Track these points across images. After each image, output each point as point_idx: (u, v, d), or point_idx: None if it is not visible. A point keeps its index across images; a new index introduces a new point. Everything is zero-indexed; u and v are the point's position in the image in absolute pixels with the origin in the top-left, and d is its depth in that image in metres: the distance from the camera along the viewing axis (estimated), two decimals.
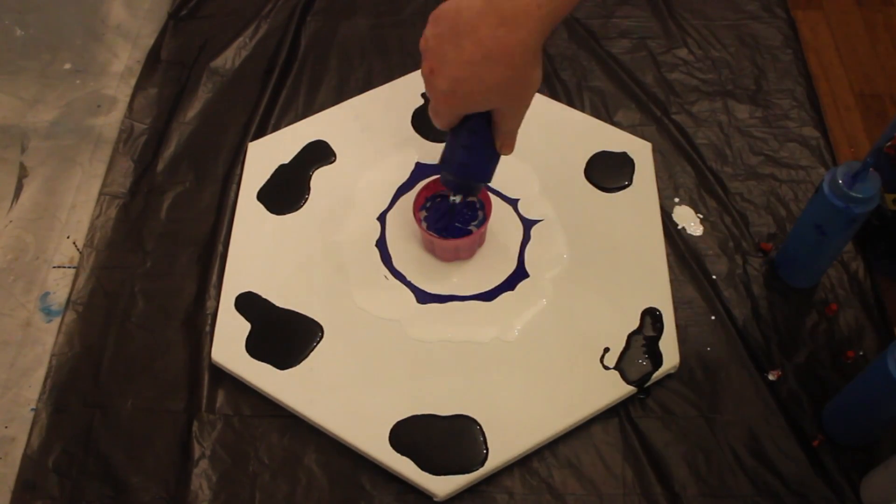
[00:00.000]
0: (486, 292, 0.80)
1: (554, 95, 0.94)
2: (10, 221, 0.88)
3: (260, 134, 0.93)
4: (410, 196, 0.85)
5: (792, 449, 0.72)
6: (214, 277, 0.82)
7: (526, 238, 0.83)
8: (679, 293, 0.80)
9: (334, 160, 0.89)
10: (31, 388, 0.77)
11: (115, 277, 0.83)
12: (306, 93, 0.97)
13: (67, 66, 1.01)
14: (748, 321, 0.79)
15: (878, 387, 0.64)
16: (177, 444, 0.74)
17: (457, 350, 0.76)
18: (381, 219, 0.85)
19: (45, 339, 0.80)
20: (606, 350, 0.76)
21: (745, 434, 0.73)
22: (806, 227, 0.75)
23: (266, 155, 0.90)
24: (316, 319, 0.78)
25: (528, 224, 0.84)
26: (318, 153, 0.90)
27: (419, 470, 0.70)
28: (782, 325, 0.79)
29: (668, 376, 0.76)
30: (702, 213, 0.86)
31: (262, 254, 0.83)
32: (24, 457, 0.73)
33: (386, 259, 0.82)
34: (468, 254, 0.81)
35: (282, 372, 0.75)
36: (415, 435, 0.72)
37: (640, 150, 0.89)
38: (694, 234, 0.85)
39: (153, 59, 1.00)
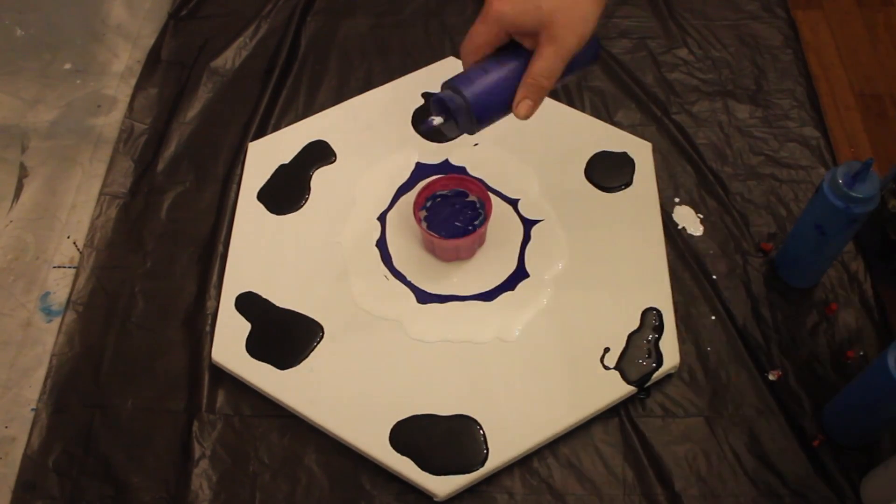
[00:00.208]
0: (486, 292, 0.80)
1: (554, 95, 0.94)
2: (11, 221, 0.88)
3: (260, 134, 0.93)
4: (410, 196, 0.85)
5: (792, 449, 0.72)
6: (214, 277, 0.82)
7: (526, 238, 0.83)
8: (679, 293, 0.80)
9: (334, 160, 0.89)
10: (32, 388, 0.77)
11: (115, 277, 0.83)
12: (306, 93, 0.97)
13: (67, 66, 1.01)
14: (748, 321, 0.79)
15: (878, 387, 0.64)
16: (177, 444, 0.74)
17: (457, 350, 0.76)
18: (381, 219, 0.85)
19: (46, 339, 0.80)
20: (606, 350, 0.76)
21: (745, 434, 0.73)
22: (806, 227, 0.75)
23: (266, 155, 0.90)
24: (316, 319, 0.78)
25: (528, 224, 0.84)
26: (318, 153, 0.90)
27: (419, 470, 0.70)
28: (782, 325, 0.79)
29: (668, 376, 0.76)
30: (702, 213, 0.86)
31: (262, 254, 0.83)
32: (25, 457, 0.73)
33: (386, 259, 0.82)
34: (468, 254, 0.81)
35: (282, 372, 0.75)
36: (415, 435, 0.72)
37: (640, 150, 0.89)
38: (694, 234, 0.85)
39: (153, 59, 1.00)
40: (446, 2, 1.04)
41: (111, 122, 0.95)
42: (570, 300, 0.79)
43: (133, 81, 0.98)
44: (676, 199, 0.87)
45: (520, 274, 0.81)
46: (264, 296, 0.80)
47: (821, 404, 0.74)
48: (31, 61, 1.01)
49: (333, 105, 0.94)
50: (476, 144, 0.89)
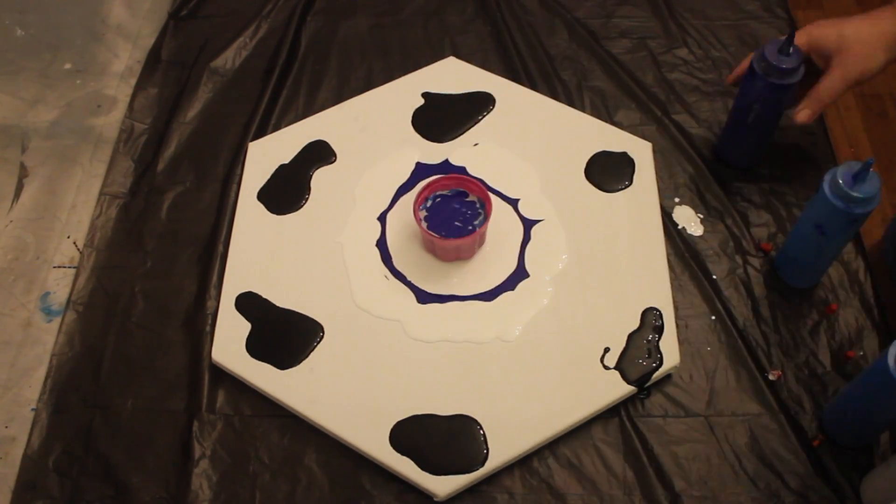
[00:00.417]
0: (486, 292, 0.80)
1: (554, 95, 0.94)
2: (11, 221, 0.88)
3: (260, 134, 0.93)
4: (410, 196, 0.85)
5: (792, 449, 0.72)
6: (214, 277, 0.82)
7: (526, 238, 0.83)
8: (679, 293, 0.80)
9: (334, 160, 0.89)
10: (32, 388, 0.77)
11: (115, 277, 0.83)
12: (306, 93, 0.97)
13: (67, 66, 1.01)
14: (748, 321, 0.79)
15: (879, 387, 0.64)
16: (177, 444, 0.74)
17: (457, 350, 0.76)
18: (381, 219, 0.85)
19: (46, 339, 0.80)
20: (606, 350, 0.76)
21: (745, 434, 0.73)
22: (806, 227, 0.75)
23: (266, 155, 0.90)
24: (316, 319, 0.78)
25: (528, 224, 0.84)
26: (318, 153, 0.90)
27: (419, 470, 0.70)
28: (782, 325, 0.79)
29: (668, 376, 0.76)
30: (702, 213, 0.86)
31: (262, 254, 0.83)
32: (25, 457, 0.73)
33: (386, 259, 0.82)
34: (468, 254, 0.81)
35: (282, 372, 0.75)
36: (415, 435, 0.72)
37: (640, 150, 0.89)
38: (694, 234, 0.85)
39: (153, 59, 1.00)
40: (446, 2, 1.04)
41: (111, 122, 0.95)
42: (570, 300, 0.79)
43: (133, 81, 0.98)
44: (676, 199, 0.87)
45: (520, 274, 0.81)
46: (264, 296, 0.80)
47: (821, 404, 0.74)
48: (31, 61, 1.01)
49: (333, 105, 0.94)
50: (476, 144, 0.89)
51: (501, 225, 0.84)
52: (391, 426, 0.72)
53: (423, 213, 0.81)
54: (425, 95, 0.94)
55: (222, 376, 0.77)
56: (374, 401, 0.74)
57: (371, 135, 0.91)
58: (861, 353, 0.77)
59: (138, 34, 1.03)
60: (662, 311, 0.78)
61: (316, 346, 0.77)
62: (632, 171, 0.87)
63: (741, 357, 0.77)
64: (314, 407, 0.74)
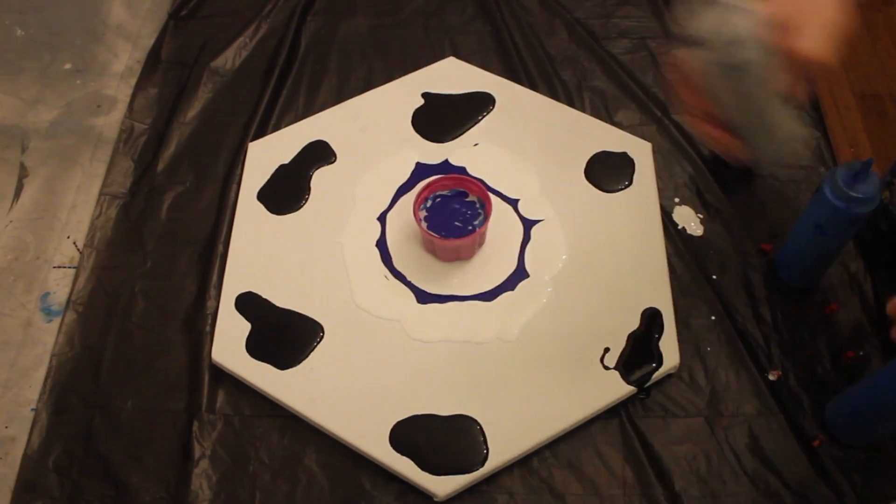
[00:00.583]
0: (486, 292, 0.80)
1: (554, 95, 0.94)
2: (10, 221, 0.88)
3: (260, 134, 0.93)
4: (410, 196, 0.85)
5: (792, 449, 0.72)
6: (214, 277, 0.82)
7: (526, 238, 0.83)
8: (679, 293, 0.80)
9: (334, 160, 0.89)
10: (32, 388, 0.77)
11: (115, 277, 0.83)
12: (306, 93, 0.97)
13: (67, 66, 1.01)
14: (748, 321, 0.79)
15: (890, 391, 0.64)
16: (177, 444, 0.74)
17: (457, 350, 0.76)
18: (381, 219, 0.85)
19: (46, 339, 0.80)
20: (606, 350, 0.76)
21: (745, 434, 0.73)
22: (806, 227, 0.75)
23: (266, 155, 0.90)
24: (316, 319, 0.78)
25: (528, 224, 0.84)
26: (318, 153, 0.90)
27: (419, 470, 0.70)
28: (782, 325, 0.79)
29: (668, 376, 0.76)
30: (702, 214, 0.86)
31: (262, 254, 0.83)
32: (24, 457, 0.73)
33: (386, 259, 0.82)
34: (468, 254, 0.81)
35: (282, 372, 0.75)
36: (415, 435, 0.72)
37: (640, 150, 0.89)
38: (694, 234, 0.85)
39: (153, 59, 1.00)
40: (446, 2, 1.04)
41: (111, 122, 0.95)
42: (570, 300, 0.79)
43: (133, 81, 0.98)
44: (676, 199, 0.87)
45: (520, 274, 0.81)
46: (264, 296, 0.80)
47: (821, 404, 0.74)
48: (31, 61, 1.01)
49: (333, 105, 0.94)
50: (476, 145, 0.89)
51: (501, 225, 0.84)
52: (391, 426, 0.72)
53: (423, 214, 0.81)
54: (425, 95, 0.94)
55: (222, 376, 0.77)
56: (374, 401, 0.74)
57: (371, 135, 0.91)
58: (861, 353, 0.77)
59: (138, 34, 1.03)
60: (662, 311, 0.78)
61: (316, 346, 0.77)
62: (632, 171, 0.87)
63: (741, 357, 0.77)
64: (314, 407, 0.74)
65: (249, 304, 0.79)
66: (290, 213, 0.86)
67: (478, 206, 0.82)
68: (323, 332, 0.78)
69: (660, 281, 0.80)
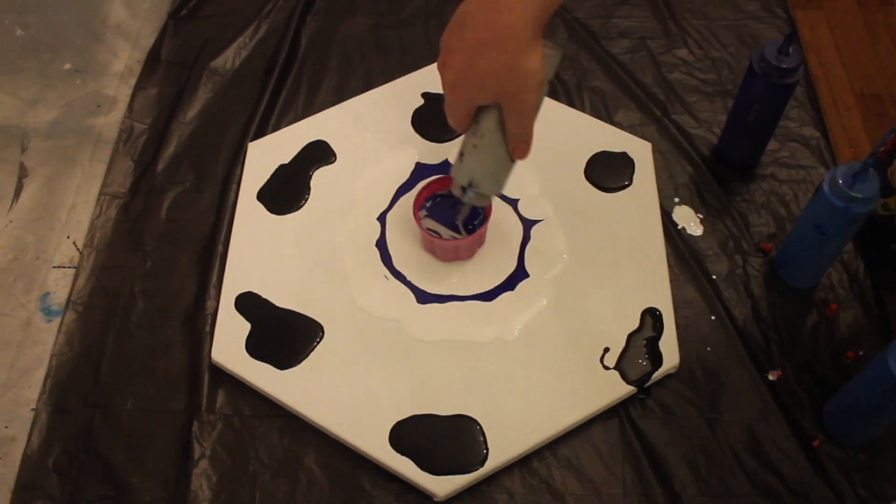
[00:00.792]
0: (486, 292, 0.80)
1: (554, 95, 0.94)
2: (10, 221, 0.88)
3: (260, 134, 0.93)
4: (410, 196, 0.85)
5: (792, 449, 0.72)
6: (214, 277, 0.82)
7: (526, 238, 0.83)
8: (679, 293, 0.80)
9: (334, 160, 0.89)
10: (31, 388, 0.77)
11: (115, 277, 0.83)
12: (306, 93, 0.97)
13: (67, 66, 1.01)
14: (748, 321, 0.79)
15: (879, 386, 0.64)
16: (177, 444, 0.74)
17: (457, 350, 0.76)
18: (381, 219, 0.85)
19: (45, 339, 0.80)
20: (606, 350, 0.76)
21: (745, 434, 0.73)
22: (806, 227, 0.75)
23: (266, 155, 0.90)
24: (316, 319, 0.78)
25: (528, 224, 0.84)
26: (318, 153, 0.90)
27: (419, 470, 0.70)
28: (782, 325, 0.79)
29: (668, 376, 0.76)
30: (702, 214, 0.86)
31: (262, 254, 0.83)
32: (24, 457, 0.73)
33: (386, 259, 0.82)
34: (468, 254, 0.81)
35: (282, 372, 0.75)
36: (415, 435, 0.72)
37: (640, 150, 0.89)
38: (694, 234, 0.85)
39: (153, 59, 1.00)
40: (446, 2, 1.04)
41: (111, 122, 0.95)
42: (570, 300, 0.79)
43: (133, 81, 0.98)
44: (676, 199, 0.87)
45: (520, 274, 0.81)
46: (264, 296, 0.80)
47: (821, 404, 0.74)
48: (31, 61, 1.01)
49: (333, 105, 0.94)
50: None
51: (501, 225, 0.83)
52: (391, 426, 0.72)
53: (422, 214, 0.81)
54: (425, 95, 0.94)
55: (222, 376, 0.77)
56: (374, 401, 0.74)
57: (371, 135, 0.91)
58: (861, 353, 0.77)
59: (138, 34, 1.03)
60: (662, 312, 0.78)
61: (316, 346, 0.77)
62: (632, 171, 0.87)
63: (741, 357, 0.77)
64: (314, 407, 0.74)
65: (249, 304, 0.79)
66: (290, 213, 0.86)
67: (477, 206, 0.82)
68: (323, 332, 0.78)
69: (660, 281, 0.80)
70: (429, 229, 0.79)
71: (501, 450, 0.71)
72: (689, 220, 0.86)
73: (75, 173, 0.91)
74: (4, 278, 0.84)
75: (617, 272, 0.81)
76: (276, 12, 1.04)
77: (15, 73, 1.00)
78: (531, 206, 0.85)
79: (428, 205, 0.82)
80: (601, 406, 0.73)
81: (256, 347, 0.77)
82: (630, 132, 0.91)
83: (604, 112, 0.94)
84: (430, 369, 0.75)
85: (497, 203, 0.84)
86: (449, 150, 0.89)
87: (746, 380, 0.76)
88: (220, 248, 0.84)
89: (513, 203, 0.85)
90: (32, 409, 0.76)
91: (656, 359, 0.75)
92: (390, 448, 0.71)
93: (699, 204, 0.87)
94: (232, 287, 0.80)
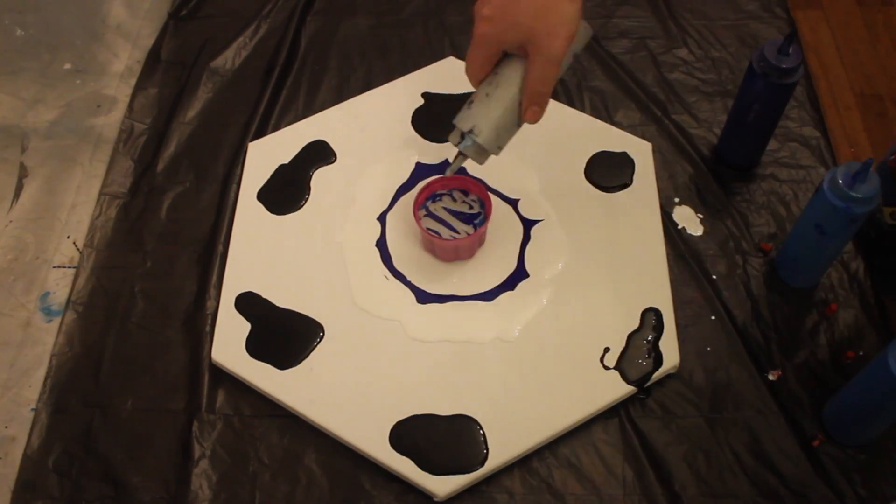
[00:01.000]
0: (486, 292, 0.80)
1: (554, 95, 0.94)
2: (10, 221, 0.88)
3: (260, 134, 0.93)
4: (410, 196, 0.85)
5: (792, 449, 0.72)
6: (214, 277, 0.82)
7: (526, 238, 0.83)
8: (679, 293, 0.80)
9: (334, 160, 0.89)
10: (31, 388, 0.77)
11: (115, 277, 0.83)
12: (306, 93, 0.97)
13: (67, 66, 1.01)
14: (748, 321, 0.79)
15: (878, 386, 0.64)
16: (177, 444, 0.74)
17: (457, 350, 0.76)
18: (381, 219, 0.85)
19: (45, 339, 0.80)
20: (606, 350, 0.76)
21: (745, 434, 0.73)
22: (806, 227, 0.75)
23: (266, 155, 0.90)
24: (316, 319, 0.78)
25: (528, 224, 0.84)
26: (318, 153, 0.90)
27: (419, 470, 0.70)
28: (782, 325, 0.79)
29: (668, 376, 0.76)
30: (702, 214, 0.86)
31: (262, 254, 0.83)
32: (24, 457, 0.73)
33: (386, 259, 0.82)
34: (468, 254, 0.81)
35: (282, 372, 0.75)
36: (415, 435, 0.72)
37: (640, 150, 0.89)
38: (694, 234, 0.85)
39: (153, 59, 1.00)
40: (446, 2, 1.04)
41: (111, 122, 0.95)
42: (570, 300, 0.79)
43: (133, 81, 0.98)
44: (676, 199, 0.87)
45: (520, 274, 0.81)
46: (264, 296, 0.80)
47: (821, 404, 0.74)
48: (31, 61, 1.01)
49: (333, 105, 0.94)
50: None
51: (501, 225, 0.83)
52: (391, 426, 0.72)
53: (422, 213, 0.81)
54: (425, 95, 0.94)
55: (222, 376, 0.77)
56: (374, 401, 0.74)
57: (371, 135, 0.91)
58: (861, 353, 0.77)
59: (138, 34, 1.03)
60: (662, 312, 0.78)
61: (316, 346, 0.77)
62: (632, 171, 0.87)
63: (741, 357, 0.77)
64: (314, 407, 0.74)
65: (249, 304, 0.79)
66: (290, 213, 0.86)
67: (478, 206, 0.82)
68: (323, 332, 0.78)
69: (660, 281, 0.80)
70: (428, 229, 0.79)
71: (501, 450, 0.71)
72: (689, 220, 0.86)
73: (75, 173, 0.91)
74: (4, 278, 0.84)
75: (617, 272, 0.81)
76: (276, 12, 1.04)
77: (15, 73, 1.00)
78: (531, 206, 0.85)
79: (428, 204, 0.82)
80: (601, 406, 0.73)
81: (256, 347, 0.77)
82: (630, 132, 0.91)
83: (604, 112, 0.94)
84: (430, 369, 0.75)
85: (497, 203, 0.84)
86: (449, 151, 0.89)
87: (746, 380, 0.76)
88: (220, 248, 0.84)
89: (513, 203, 0.85)
90: (32, 409, 0.76)
91: (656, 359, 0.75)
92: (390, 448, 0.71)
93: (699, 204, 0.87)
94: (232, 287, 0.80)
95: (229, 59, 1.00)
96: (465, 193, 0.82)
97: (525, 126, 0.68)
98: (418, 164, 0.88)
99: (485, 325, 0.78)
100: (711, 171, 0.89)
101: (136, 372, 0.78)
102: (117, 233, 0.86)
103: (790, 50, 0.76)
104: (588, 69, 0.97)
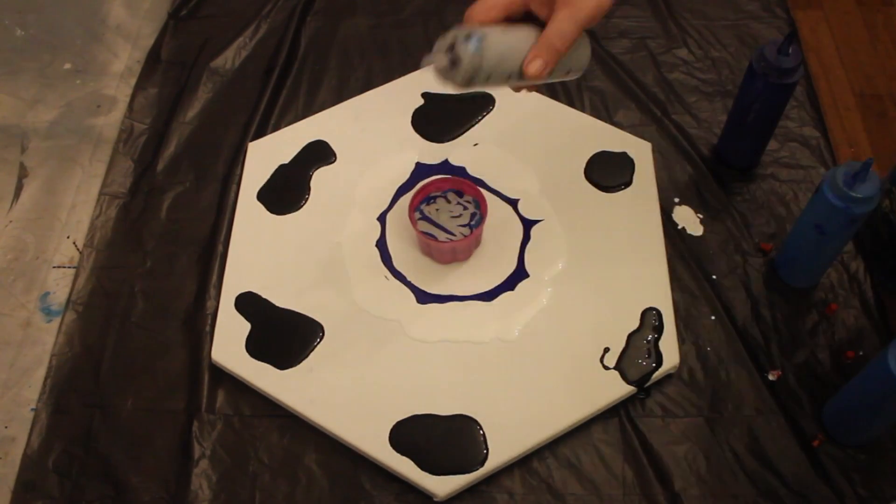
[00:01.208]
0: (486, 292, 0.80)
1: (554, 95, 0.94)
2: (10, 221, 0.88)
3: (260, 134, 0.93)
4: (410, 196, 0.85)
5: (792, 449, 0.72)
6: (214, 277, 0.82)
7: (526, 238, 0.83)
8: (679, 293, 0.80)
9: (334, 160, 0.89)
10: (31, 388, 0.77)
11: (115, 277, 0.83)
12: (306, 93, 0.97)
13: (67, 66, 1.01)
14: (748, 321, 0.79)
15: (879, 385, 0.64)
16: (177, 444, 0.74)
17: (457, 350, 0.76)
18: (381, 219, 0.85)
19: (45, 339, 0.80)
20: (606, 350, 0.76)
21: (745, 434, 0.73)
22: (806, 227, 0.75)
23: (266, 155, 0.90)
24: (316, 319, 0.78)
25: (528, 224, 0.84)
26: (318, 153, 0.90)
27: (419, 470, 0.70)
28: (782, 325, 0.79)
29: (668, 376, 0.76)
30: (702, 214, 0.86)
31: (262, 254, 0.83)
32: (24, 457, 0.73)
33: (386, 259, 0.82)
34: (465, 255, 0.81)
35: (282, 372, 0.75)
36: (415, 435, 0.72)
37: (640, 150, 0.89)
38: (694, 234, 0.85)
39: (153, 59, 1.00)
40: (446, 2, 1.04)
41: (111, 122, 0.95)
42: (570, 300, 0.79)
43: (133, 81, 0.98)
44: (676, 199, 0.87)
45: (520, 274, 0.81)
46: (264, 296, 0.80)
47: (821, 404, 0.74)
48: (31, 61, 1.01)
49: (333, 105, 0.94)
50: (476, 144, 0.89)
51: (501, 225, 0.83)
52: (391, 426, 0.72)
53: (417, 216, 0.81)
54: (425, 95, 0.94)
55: (222, 376, 0.77)
56: (374, 401, 0.74)
57: (371, 135, 0.91)
58: (861, 353, 0.77)
59: (138, 34, 1.03)
60: (662, 312, 0.78)
61: (316, 346, 0.77)
62: (632, 171, 0.87)
63: (741, 357, 0.77)
64: (314, 407, 0.74)
65: (249, 304, 0.79)
66: (290, 213, 0.86)
67: (473, 206, 0.82)
68: (323, 332, 0.78)
69: (660, 281, 0.80)
70: (424, 232, 0.79)
71: (501, 450, 0.71)
72: (689, 220, 0.86)
73: (75, 173, 0.91)
74: (4, 278, 0.84)
75: (617, 272, 0.81)
76: (276, 12, 1.04)
77: (15, 73, 1.00)
78: (531, 206, 0.85)
79: (422, 207, 0.82)
80: (601, 406, 0.73)
81: (256, 347, 0.77)
82: (630, 132, 0.91)
83: (604, 112, 0.94)
84: (430, 369, 0.75)
85: (497, 203, 0.84)
86: (449, 151, 0.89)
87: (746, 380, 0.76)
88: (220, 248, 0.84)
89: (513, 203, 0.85)
90: (32, 409, 0.76)
91: (656, 359, 0.75)
92: (390, 448, 0.71)
93: (699, 204, 0.87)
94: (232, 287, 0.80)
95: (229, 59, 1.00)
96: (460, 195, 0.82)
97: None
98: (418, 164, 0.88)
99: (485, 325, 0.78)
100: (711, 171, 0.89)
101: (136, 372, 0.78)
102: (117, 233, 0.86)
103: (790, 50, 0.76)
104: (588, 69, 0.97)
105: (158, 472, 0.72)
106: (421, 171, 0.88)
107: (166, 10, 1.05)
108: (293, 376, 0.75)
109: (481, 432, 0.72)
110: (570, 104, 0.94)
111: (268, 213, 0.86)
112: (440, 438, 0.72)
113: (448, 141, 0.90)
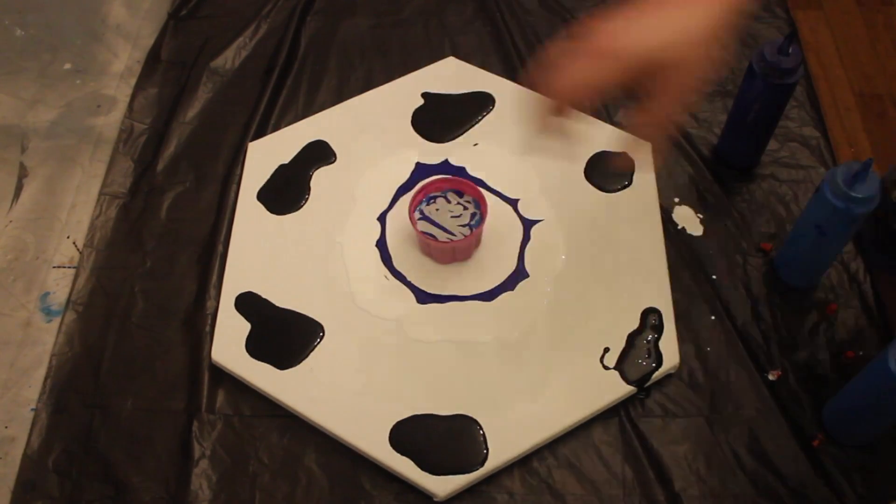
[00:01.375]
0: (486, 292, 0.80)
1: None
2: (10, 221, 0.88)
3: (260, 134, 0.93)
4: (410, 196, 0.85)
5: (792, 449, 0.72)
6: (214, 277, 0.82)
7: (526, 238, 0.83)
8: (679, 293, 0.80)
9: (334, 160, 0.89)
10: (31, 388, 0.77)
11: (115, 277, 0.83)
12: (306, 93, 0.97)
13: (67, 66, 1.01)
14: (748, 321, 0.79)
15: (879, 385, 0.64)
16: (177, 444, 0.74)
17: (457, 350, 0.76)
18: (381, 219, 0.85)
19: (45, 339, 0.80)
20: (606, 350, 0.76)
21: (745, 434, 0.73)
22: (806, 227, 0.75)
23: (266, 155, 0.90)
24: (316, 319, 0.78)
25: (528, 224, 0.84)
26: (318, 153, 0.90)
27: (419, 470, 0.70)
28: (782, 325, 0.79)
29: (668, 376, 0.76)
30: (702, 214, 0.86)
31: (262, 254, 0.83)
32: (24, 457, 0.73)
33: (386, 259, 0.82)
34: (465, 255, 0.81)
35: (282, 372, 0.75)
36: (415, 435, 0.72)
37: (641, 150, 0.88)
38: (694, 234, 0.85)
39: (153, 59, 1.00)
40: (446, 2, 1.04)
41: (111, 122, 0.95)
42: (570, 300, 0.79)
43: (133, 81, 0.98)
44: (676, 199, 0.87)
45: (520, 274, 0.81)
46: (264, 296, 0.80)
47: (821, 404, 0.74)
48: (31, 61, 1.01)
49: (333, 105, 0.94)
50: (476, 144, 0.89)
51: (501, 225, 0.83)
52: (391, 426, 0.72)
53: (417, 216, 0.81)
54: (425, 95, 0.94)
55: (222, 376, 0.77)
56: (373, 401, 0.74)
57: (371, 135, 0.91)
58: (861, 353, 0.77)
59: (138, 34, 1.03)
60: (662, 312, 0.78)
61: (316, 346, 0.77)
62: (632, 171, 0.87)
63: (741, 357, 0.77)
64: (314, 407, 0.74)
65: (249, 304, 0.79)
66: (290, 213, 0.86)
67: (473, 206, 0.82)
68: (323, 332, 0.78)
69: (660, 281, 0.80)
70: (424, 232, 0.79)
71: (501, 450, 0.71)
72: (689, 220, 0.86)
73: (75, 173, 0.91)
74: (4, 278, 0.84)
75: (617, 272, 0.81)
76: (276, 12, 1.04)
77: (15, 73, 1.00)
78: (531, 206, 0.85)
79: (422, 207, 0.82)
80: (601, 406, 0.73)
81: (256, 347, 0.77)
82: (630, 132, 0.90)
83: (604, 112, 0.94)
84: (430, 369, 0.75)
85: (497, 203, 0.84)
86: (449, 151, 0.89)
87: (746, 380, 0.76)
88: (220, 248, 0.84)
89: (513, 203, 0.85)
90: (32, 409, 0.76)
91: (656, 359, 0.75)
92: (390, 448, 0.71)
93: (699, 204, 0.87)
94: (232, 287, 0.80)
95: (229, 59, 1.00)
96: (460, 195, 0.82)
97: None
98: (418, 164, 0.88)
99: (485, 325, 0.78)
100: (711, 171, 0.89)
101: (136, 372, 0.78)
102: (117, 233, 0.86)
103: (790, 50, 0.76)
104: None
105: (158, 472, 0.72)
106: (421, 171, 0.88)
107: (166, 10, 1.05)
108: (293, 376, 0.75)
109: (481, 432, 0.72)
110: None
111: (268, 213, 0.86)
112: (440, 438, 0.72)
113: (448, 141, 0.90)
